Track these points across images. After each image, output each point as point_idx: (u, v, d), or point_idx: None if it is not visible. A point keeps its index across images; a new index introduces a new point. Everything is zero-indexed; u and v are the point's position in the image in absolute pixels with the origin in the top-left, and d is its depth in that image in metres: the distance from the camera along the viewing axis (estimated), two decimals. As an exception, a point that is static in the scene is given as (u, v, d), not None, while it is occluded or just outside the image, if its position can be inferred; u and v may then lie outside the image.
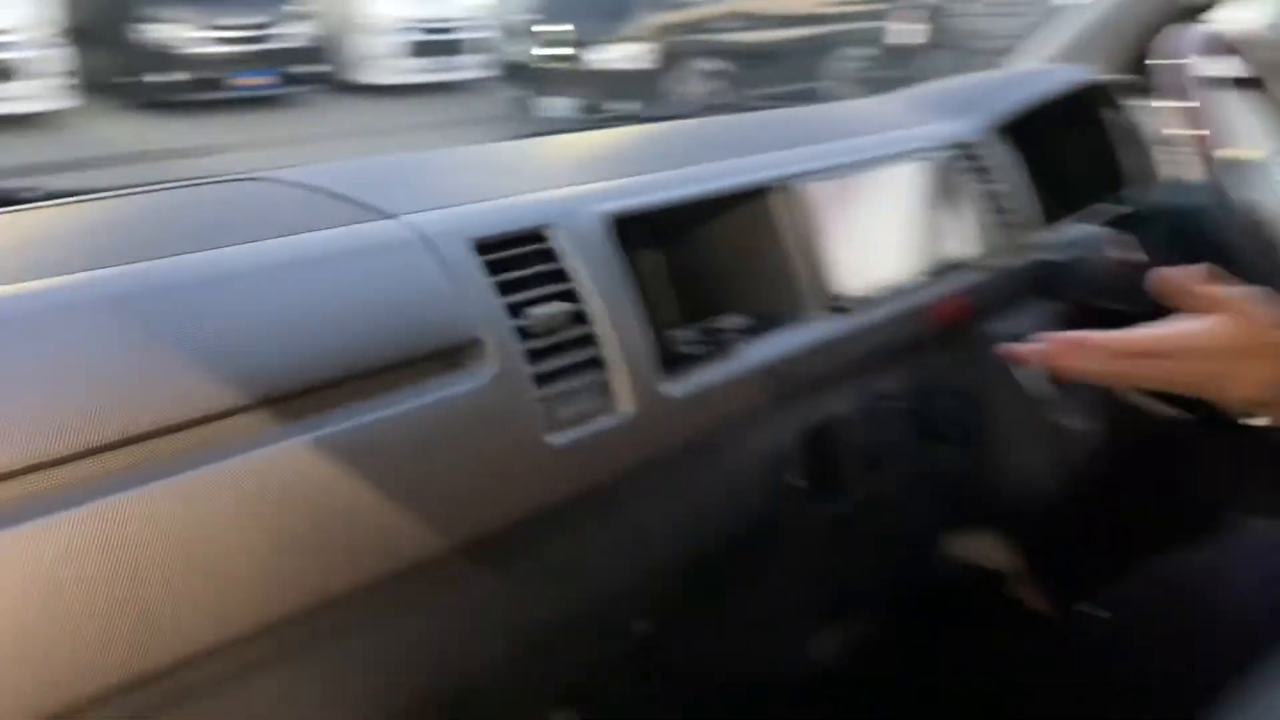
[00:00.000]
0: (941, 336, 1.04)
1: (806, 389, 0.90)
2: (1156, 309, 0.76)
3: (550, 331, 0.72)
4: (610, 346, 0.75)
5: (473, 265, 0.71)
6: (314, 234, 0.69)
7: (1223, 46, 1.17)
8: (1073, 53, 1.50)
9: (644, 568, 0.82)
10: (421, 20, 9.33)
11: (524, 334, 0.71)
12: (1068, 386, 1.21)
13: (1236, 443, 0.81)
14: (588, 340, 0.74)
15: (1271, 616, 0.84)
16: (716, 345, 0.82)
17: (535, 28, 8.21)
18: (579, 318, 0.74)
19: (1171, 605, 1.23)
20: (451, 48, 9.46)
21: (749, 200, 0.89)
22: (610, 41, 7.99)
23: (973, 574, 1.39)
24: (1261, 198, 1.09)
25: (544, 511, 0.72)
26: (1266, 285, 1.05)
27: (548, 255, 0.75)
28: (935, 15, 9.29)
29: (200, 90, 8.13)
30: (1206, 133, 1.11)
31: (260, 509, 0.59)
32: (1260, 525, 1.14)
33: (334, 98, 9.07)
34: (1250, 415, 0.78)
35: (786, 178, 0.91)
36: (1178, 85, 1.11)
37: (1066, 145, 1.32)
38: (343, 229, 0.70)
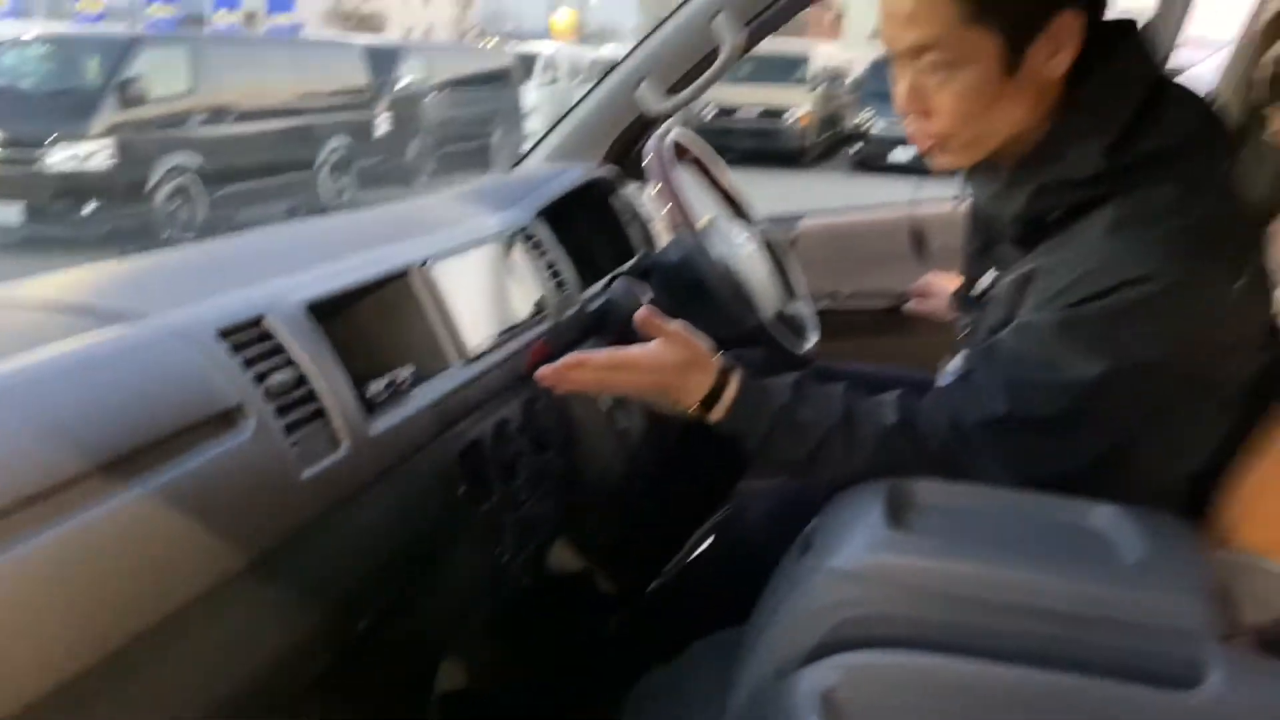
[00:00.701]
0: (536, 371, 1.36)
1: (457, 419, 1.17)
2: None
3: (285, 393, 0.93)
4: (328, 400, 0.97)
5: (221, 349, 0.90)
6: (82, 339, 0.84)
7: (675, 145, 1.64)
8: (571, 151, 1.92)
9: (363, 574, 1.04)
10: None
11: (269, 396, 0.91)
12: (619, 398, 1.59)
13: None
14: (311, 397, 0.96)
15: (776, 543, 1.01)
16: (396, 392, 1.07)
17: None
18: (301, 380, 0.95)
19: (709, 559, 1.63)
20: None
21: (395, 280, 1.15)
22: (61, 141, 7.47)
23: (569, 570, 1.72)
24: (723, 249, 1.56)
25: (298, 533, 0.92)
26: (732, 311, 1.52)
27: (268, 335, 0.95)
28: (405, 104, 9.87)
29: None
30: (679, 206, 1.54)
31: (72, 574, 0.72)
32: (758, 484, 1.59)
33: None
34: (701, 416, 1.05)
35: (416, 261, 1.19)
36: (658, 173, 1.54)
37: (587, 224, 1.73)
38: (106, 331, 0.86)
